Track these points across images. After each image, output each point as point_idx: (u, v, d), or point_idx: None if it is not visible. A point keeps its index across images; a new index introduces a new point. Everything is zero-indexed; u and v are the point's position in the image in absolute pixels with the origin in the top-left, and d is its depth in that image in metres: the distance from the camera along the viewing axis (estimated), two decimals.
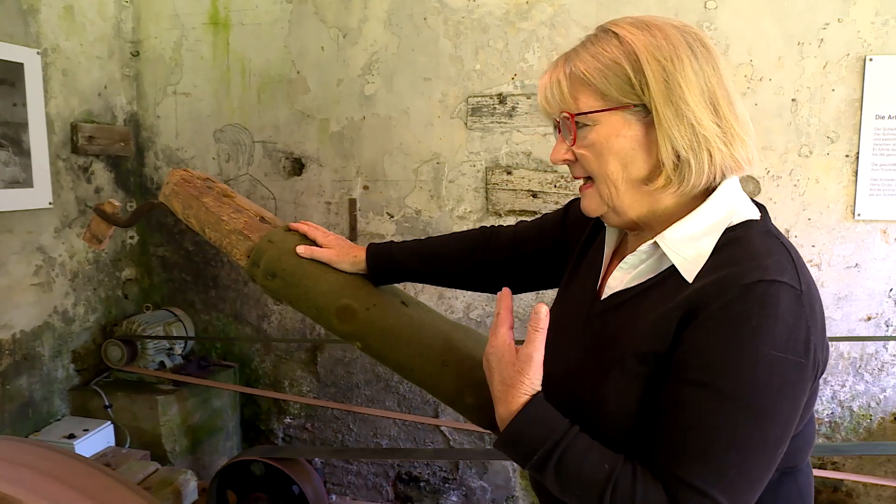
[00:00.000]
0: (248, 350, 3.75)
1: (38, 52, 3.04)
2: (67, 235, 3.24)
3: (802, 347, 1.00)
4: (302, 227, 1.73)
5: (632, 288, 1.19)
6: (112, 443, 3.17)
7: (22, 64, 2.98)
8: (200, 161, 3.62)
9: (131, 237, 3.67)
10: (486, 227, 1.68)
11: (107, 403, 3.22)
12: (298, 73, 3.45)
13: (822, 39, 2.90)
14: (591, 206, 1.20)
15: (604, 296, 1.24)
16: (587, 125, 1.12)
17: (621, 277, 1.22)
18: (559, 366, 1.22)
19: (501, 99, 3.20)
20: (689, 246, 1.11)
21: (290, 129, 3.50)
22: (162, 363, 3.46)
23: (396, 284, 1.75)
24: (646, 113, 1.09)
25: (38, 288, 3.11)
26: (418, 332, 1.64)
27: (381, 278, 1.66)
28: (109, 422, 3.16)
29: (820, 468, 3.14)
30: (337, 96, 3.40)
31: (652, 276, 1.16)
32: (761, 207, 1.18)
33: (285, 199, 3.54)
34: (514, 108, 3.19)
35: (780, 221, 3.04)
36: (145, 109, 3.67)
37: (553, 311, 1.31)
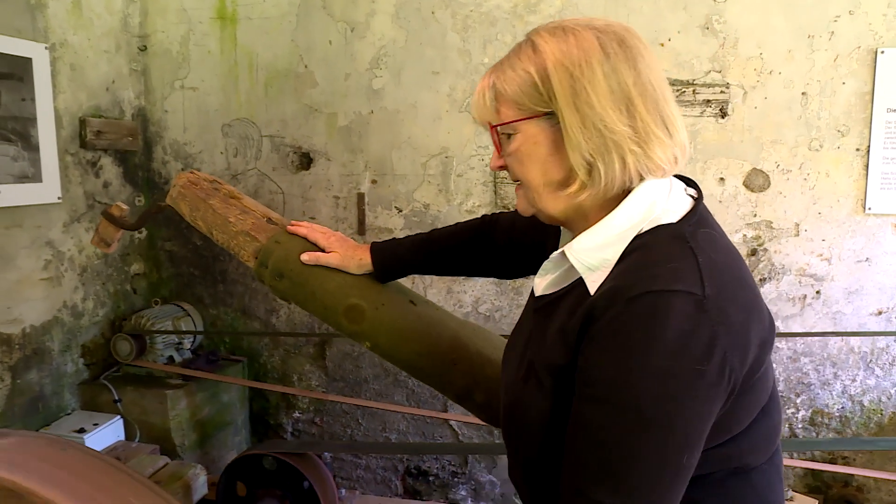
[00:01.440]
0: (257, 344, 3.75)
1: (46, 47, 3.04)
2: (76, 230, 3.24)
3: (702, 353, 0.97)
4: (301, 229, 1.73)
5: (550, 294, 1.22)
6: (122, 437, 3.18)
7: (30, 59, 2.98)
8: (208, 155, 3.62)
9: (139, 232, 3.67)
10: (486, 215, 1.69)
11: (116, 398, 3.22)
12: (306, 67, 3.44)
13: (832, 32, 2.89)
14: (521, 207, 1.24)
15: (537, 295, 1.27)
16: (510, 134, 1.15)
17: (540, 282, 1.25)
18: (512, 363, 1.28)
19: None
20: (594, 255, 1.12)
21: (297, 123, 3.49)
22: (171, 358, 3.46)
23: (404, 283, 1.75)
24: (556, 120, 1.10)
25: (48, 282, 3.11)
26: (427, 330, 1.64)
27: (387, 276, 1.67)
28: (119, 416, 3.17)
29: (830, 462, 3.13)
30: (345, 90, 3.40)
31: (566, 284, 1.19)
32: (696, 203, 1.15)
33: (293, 193, 3.54)
34: None
35: (789, 216, 3.03)
36: (153, 104, 3.67)
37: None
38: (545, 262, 1.22)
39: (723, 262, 1.06)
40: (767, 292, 3.11)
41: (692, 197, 1.17)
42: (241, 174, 3.60)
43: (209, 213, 1.83)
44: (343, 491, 2.89)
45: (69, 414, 3.20)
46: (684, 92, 3.02)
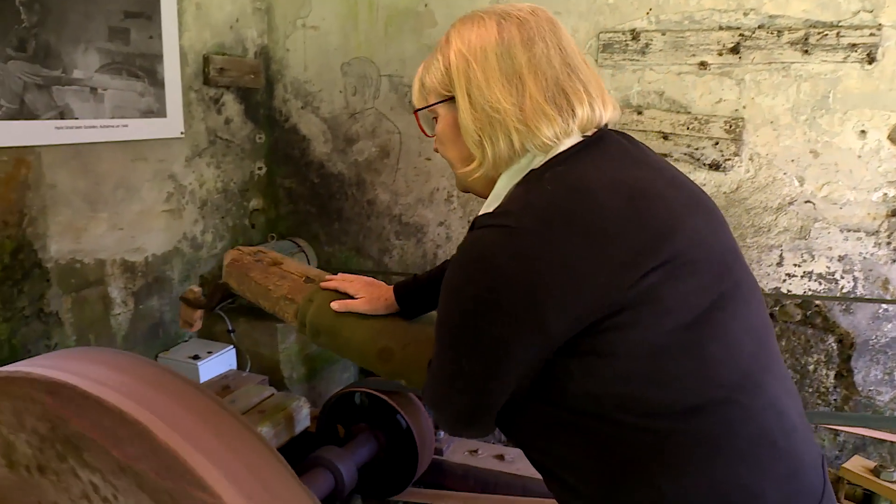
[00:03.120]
0: None
1: None
2: (197, 165, 3.34)
3: (499, 282, 1.02)
4: (331, 283, 1.79)
5: None
6: (233, 366, 3.30)
7: None
8: (327, 94, 3.64)
9: (259, 168, 3.76)
10: None
11: (230, 328, 3.33)
12: (426, 6, 3.37)
13: None
14: (457, 185, 1.36)
15: None
16: (435, 118, 1.29)
17: None
18: None
19: (634, 35, 3.02)
20: (484, 210, 1.19)
21: (416, 62, 3.41)
22: None
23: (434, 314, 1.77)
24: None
25: (169, 214, 3.23)
26: None
27: (412, 312, 1.69)
28: (232, 346, 3.28)
29: None
30: None
31: None
32: (577, 144, 1.18)
33: (410, 133, 3.51)
34: (647, 45, 3.01)
35: None
36: (275, 42, 3.70)
37: None
38: None
39: (560, 197, 1.07)
40: None
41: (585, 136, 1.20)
42: (359, 113, 3.60)
43: (252, 285, 1.97)
44: (441, 433, 2.89)
45: (186, 341, 3.35)
46: (826, 35, 2.76)
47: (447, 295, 1.13)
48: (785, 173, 2.90)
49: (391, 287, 1.70)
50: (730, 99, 2.93)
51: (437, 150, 1.35)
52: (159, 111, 3.12)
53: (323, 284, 1.80)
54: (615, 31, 3.05)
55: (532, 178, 1.14)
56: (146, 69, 3.04)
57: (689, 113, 3.00)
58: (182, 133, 3.23)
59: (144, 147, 3.08)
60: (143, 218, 3.11)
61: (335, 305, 1.69)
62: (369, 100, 3.57)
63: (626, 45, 3.05)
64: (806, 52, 2.77)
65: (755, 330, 1.13)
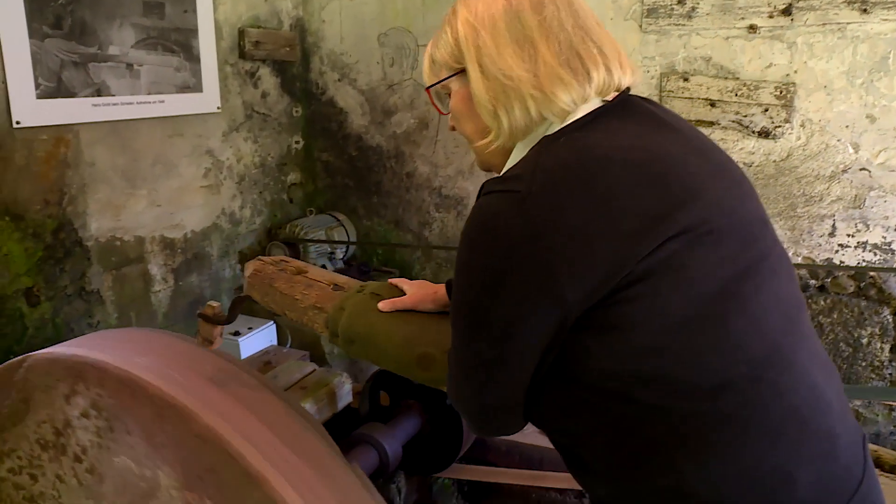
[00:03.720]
0: (409, 257, 3.75)
1: None
2: (234, 139, 3.31)
3: (506, 251, 0.98)
4: (394, 280, 1.73)
5: None
6: (274, 342, 3.29)
7: None
8: (364, 66, 3.58)
9: (297, 142, 3.72)
10: None
11: (233, 300, 3.32)
12: None
13: None
14: (477, 163, 1.29)
15: None
16: (448, 94, 1.23)
17: None
18: None
19: None
20: None
21: None
22: (323, 267, 3.52)
23: None
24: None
25: (207, 190, 3.21)
26: None
27: None
28: (272, 321, 3.27)
29: None
30: None
31: None
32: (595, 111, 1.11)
33: None
34: (693, 9, 2.90)
35: None
36: (311, 14, 3.65)
37: None
38: None
39: (572, 161, 1.01)
40: None
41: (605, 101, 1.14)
42: (397, 84, 3.54)
43: (277, 296, 1.90)
44: None
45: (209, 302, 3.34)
46: None
47: (457, 273, 1.08)
48: (839, 140, 2.79)
49: (442, 285, 1.62)
50: (780, 63, 2.82)
51: (452, 129, 1.29)
52: (195, 86, 3.09)
53: (392, 281, 1.73)
54: None
55: (545, 142, 1.08)
56: (181, 44, 3.01)
57: (738, 79, 2.89)
58: (218, 108, 3.20)
59: (181, 122, 3.05)
60: (182, 194, 3.09)
61: (382, 305, 1.60)
62: (407, 70, 3.51)
63: (672, 8, 2.94)
64: (864, 10, 2.65)
65: (784, 304, 1.06)
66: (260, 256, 2.09)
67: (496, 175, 1.14)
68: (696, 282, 0.97)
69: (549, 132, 1.10)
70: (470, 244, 1.04)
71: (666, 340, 0.97)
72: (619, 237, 0.95)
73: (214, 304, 1.95)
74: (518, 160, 1.10)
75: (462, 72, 1.17)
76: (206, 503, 1.45)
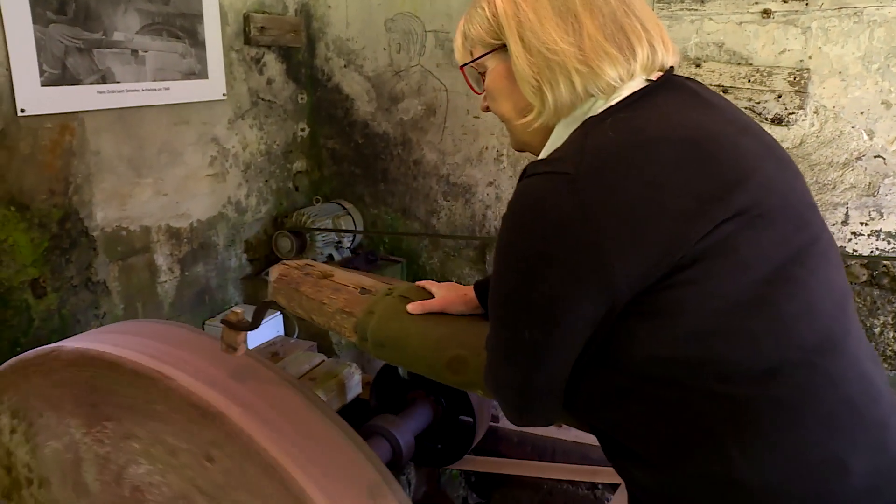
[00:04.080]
0: (416, 246, 3.72)
1: None
2: (240, 127, 3.27)
3: (544, 234, 0.96)
4: (422, 283, 1.69)
5: None
6: (281, 332, 3.26)
7: None
8: (371, 52, 3.54)
9: (302, 129, 3.68)
10: None
11: (257, 305, 3.29)
12: None
13: None
14: (512, 144, 1.26)
15: None
16: (483, 73, 1.19)
17: None
18: None
19: None
20: None
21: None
22: (330, 256, 3.49)
23: None
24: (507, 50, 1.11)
25: (213, 178, 3.17)
26: None
27: None
28: (279, 312, 3.23)
29: None
30: None
31: None
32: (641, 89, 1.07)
33: (458, 90, 3.40)
34: None
35: None
36: None
37: None
38: None
39: (621, 143, 0.98)
40: None
41: (649, 81, 1.10)
42: (404, 71, 3.50)
43: (304, 301, 1.84)
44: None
45: (232, 307, 3.31)
46: None
47: (498, 256, 1.04)
48: (853, 126, 2.76)
49: (472, 286, 1.60)
50: (794, 49, 2.78)
51: (485, 109, 1.25)
52: (201, 73, 3.05)
53: (420, 283, 1.70)
54: None
55: (591, 123, 1.04)
56: (187, 29, 2.96)
57: (751, 65, 2.86)
58: (224, 95, 3.16)
59: (187, 110, 3.01)
60: (188, 183, 3.05)
61: (411, 307, 1.57)
62: (414, 57, 3.46)
63: None
64: None
65: (835, 290, 1.04)
66: (284, 260, 2.05)
67: (534, 157, 1.12)
68: (749, 265, 0.95)
69: (594, 112, 1.06)
70: (515, 226, 1.00)
71: (718, 324, 0.95)
72: (673, 219, 0.93)
73: (238, 309, 1.91)
74: (559, 140, 1.08)
75: (500, 48, 1.13)
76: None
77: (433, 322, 1.56)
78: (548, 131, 1.14)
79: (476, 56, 1.17)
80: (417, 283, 1.69)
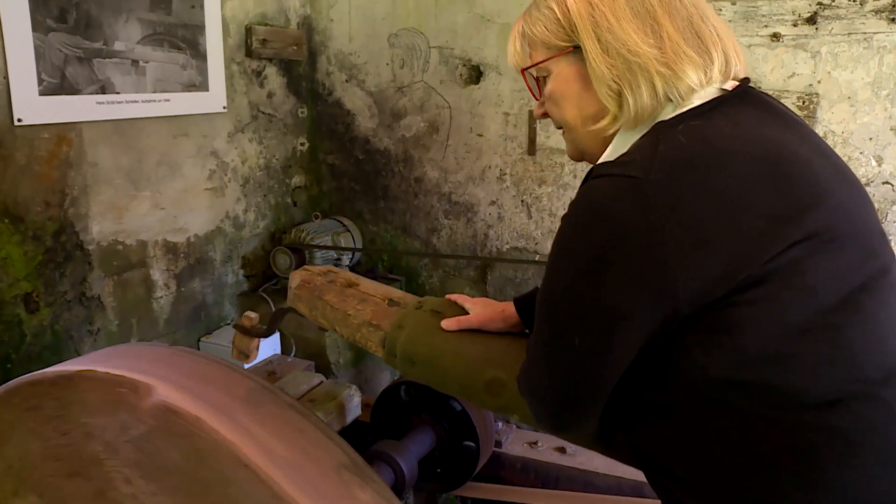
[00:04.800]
0: (416, 264, 3.66)
1: None
2: (240, 140, 3.22)
3: (607, 238, 0.92)
4: (453, 296, 1.64)
5: None
6: (278, 350, 3.19)
7: None
8: (373, 67, 3.49)
9: (302, 144, 3.63)
10: None
11: (274, 311, 3.22)
12: None
13: None
14: (569, 152, 1.21)
15: None
16: (545, 77, 1.14)
17: None
18: None
19: None
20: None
21: (468, 34, 3.28)
22: None
23: None
24: (582, 54, 1.06)
25: (212, 192, 3.12)
26: None
27: None
28: (276, 330, 3.17)
29: None
30: None
31: None
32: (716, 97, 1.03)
33: (461, 108, 3.36)
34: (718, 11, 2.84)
35: None
36: (318, 12, 3.55)
37: None
38: None
39: (695, 151, 0.95)
40: None
41: (724, 90, 1.06)
42: (407, 87, 3.46)
43: (328, 310, 1.75)
44: (500, 424, 2.77)
45: (229, 324, 3.25)
46: None
47: (555, 256, 1.01)
48: (861, 152, 2.74)
49: (509, 302, 1.53)
50: (804, 73, 2.76)
51: (541, 116, 1.20)
52: (202, 84, 2.99)
53: (450, 296, 1.63)
54: None
55: (661, 128, 1.01)
56: (188, 40, 2.91)
57: (760, 88, 2.83)
58: (224, 107, 3.11)
59: (187, 122, 2.95)
60: (186, 196, 2.99)
61: (445, 324, 1.50)
62: (418, 73, 3.42)
63: None
64: (893, 20, 2.59)
65: None
66: (306, 266, 1.96)
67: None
68: (816, 291, 0.92)
69: (664, 117, 1.03)
70: (576, 227, 0.97)
71: (778, 350, 0.91)
72: (741, 236, 0.90)
73: (252, 314, 1.82)
74: (623, 147, 1.03)
75: (571, 51, 1.08)
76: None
77: (469, 340, 1.49)
78: (610, 139, 1.10)
79: (542, 59, 1.12)
80: (448, 296, 1.62)
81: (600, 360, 0.99)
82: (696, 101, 1.03)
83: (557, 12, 1.08)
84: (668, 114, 1.03)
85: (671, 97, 1.02)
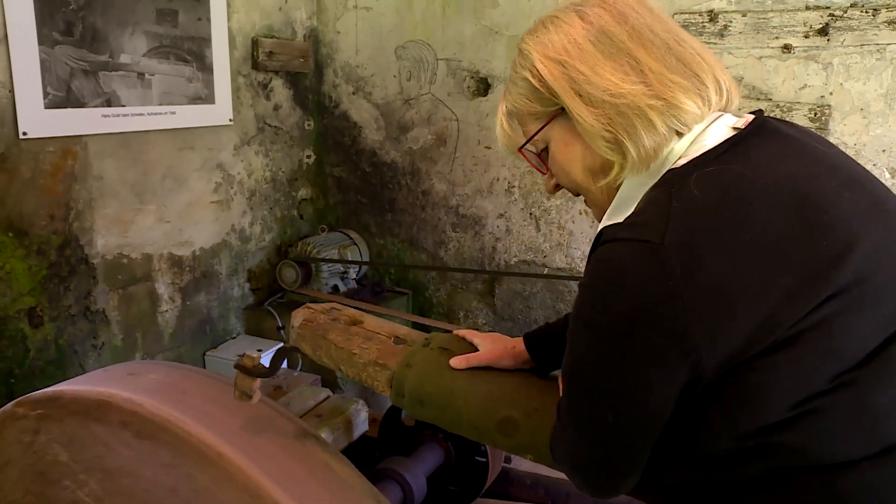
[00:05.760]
0: (423, 277, 3.64)
1: None
2: (246, 153, 3.20)
3: (627, 308, 0.87)
4: (461, 332, 1.58)
5: None
6: (284, 364, 3.15)
7: None
8: (380, 79, 3.48)
9: (308, 157, 3.61)
10: None
11: (280, 325, 3.20)
12: None
13: None
14: (596, 216, 1.14)
15: None
16: (545, 149, 1.11)
17: None
18: None
19: (712, 16, 2.82)
20: (611, 220, 1.02)
21: (476, 45, 3.26)
22: (335, 287, 3.41)
23: None
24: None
25: (217, 206, 3.09)
26: None
27: (548, 363, 1.46)
28: (282, 343, 3.14)
29: None
30: (528, 11, 3.12)
31: None
32: (731, 138, 0.97)
33: (469, 120, 3.34)
34: (726, 27, 2.81)
35: None
36: (325, 24, 3.54)
37: None
38: None
39: (711, 205, 0.89)
40: None
41: (736, 129, 1.00)
42: (414, 99, 3.44)
43: (332, 350, 1.72)
44: None
45: (234, 338, 3.22)
46: None
47: (577, 327, 0.96)
48: (874, 165, 2.70)
49: (519, 338, 1.49)
50: (815, 85, 2.73)
51: (554, 189, 1.16)
52: (208, 97, 2.97)
53: (459, 332, 1.59)
54: (691, 12, 2.85)
55: (673, 179, 0.94)
56: (194, 53, 2.89)
57: (771, 100, 2.80)
58: (231, 120, 3.09)
59: (192, 135, 2.94)
60: (191, 209, 2.97)
61: (454, 362, 1.46)
62: (425, 85, 3.40)
63: (703, 26, 2.85)
64: None
65: None
66: (308, 304, 1.92)
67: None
68: (842, 354, 0.87)
69: (675, 164, 0.97)
70: (594, 298, 0.92)
71: (797, 413, 0.87)
72: (769, 299, 0.85)
73: (254, 354, 1.80)
74: (632, 193, 0.99)
75: (558, 115, 1.05)
76: None
77: (479, 379, 1.44)
78: (614, 189, 1.06)
79: (536, 129, 1.09)
80: (457, 332, 1.58)
81: (636, 434, 0.96)
82: (710, 141, 0.97)
83: (533, 81, 1.05)
84: (681, 150, 0.98)
85: (674, 127, 0.97)
